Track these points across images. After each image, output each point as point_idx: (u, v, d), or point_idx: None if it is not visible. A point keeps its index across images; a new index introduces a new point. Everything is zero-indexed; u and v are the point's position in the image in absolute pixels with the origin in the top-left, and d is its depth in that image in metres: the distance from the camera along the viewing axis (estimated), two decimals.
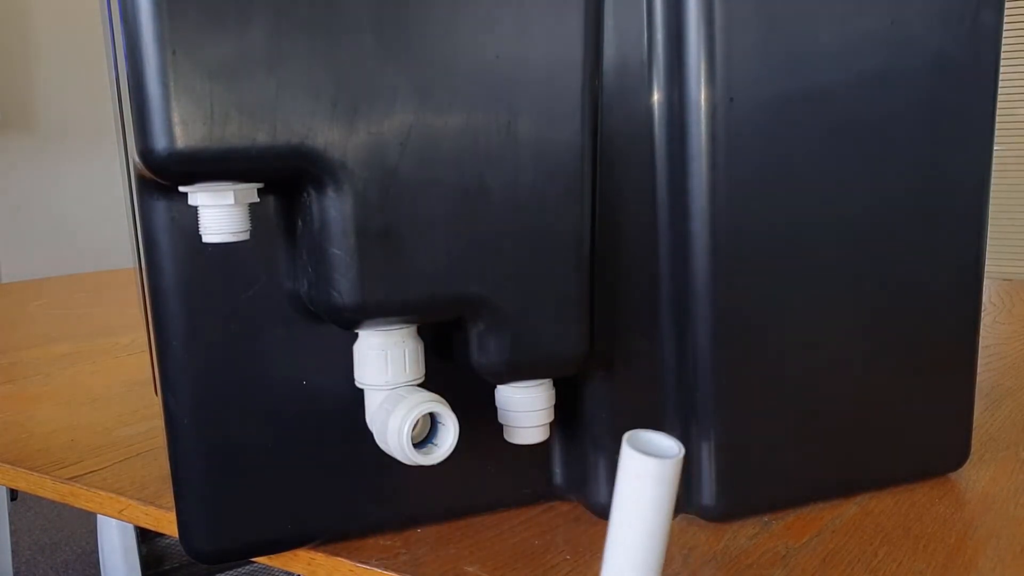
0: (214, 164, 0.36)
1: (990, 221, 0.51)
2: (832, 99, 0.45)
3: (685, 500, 0.49)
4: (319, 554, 0.46)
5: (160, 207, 0.41)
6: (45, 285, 1.53)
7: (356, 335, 0.43)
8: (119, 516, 0.54)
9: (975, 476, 0.54)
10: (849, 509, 0.50)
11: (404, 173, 0.38)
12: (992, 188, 0.51)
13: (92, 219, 2.91)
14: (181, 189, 0.39)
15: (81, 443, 0.64)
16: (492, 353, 0.43)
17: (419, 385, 0.42)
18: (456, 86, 0.39)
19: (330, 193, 0.38)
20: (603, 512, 0.49)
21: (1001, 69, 0.49)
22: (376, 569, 0.44)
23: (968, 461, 0.54)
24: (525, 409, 0.45)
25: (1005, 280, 1.30)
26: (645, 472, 0.30)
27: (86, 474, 0.58)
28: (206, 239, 0.38)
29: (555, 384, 0.46)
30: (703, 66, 0.43)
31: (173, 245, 0.41)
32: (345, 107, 0.37)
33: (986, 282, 0.53)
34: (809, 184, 0.46)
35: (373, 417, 0.42)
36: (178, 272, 0.42)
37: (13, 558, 1.28)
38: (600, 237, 0.44)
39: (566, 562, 0.44)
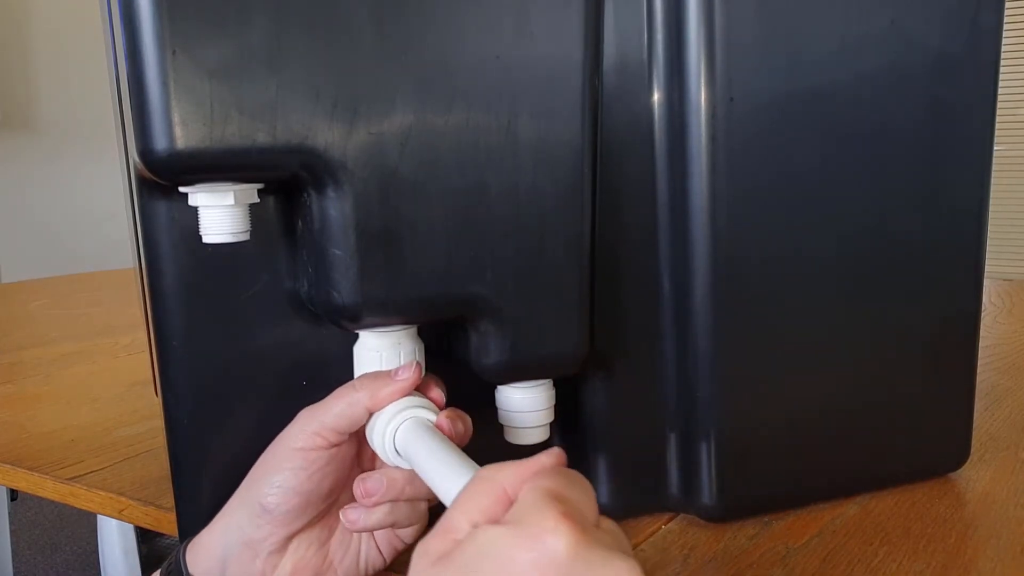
0: (214, 164, 0.36)
1: (990, 221, 0.51)
2: (832, 99, 0.45)
3: (685, 500, 0.49)
4: None
5: (160, 207, 0.41)
6: (45, 285, 1.53)
7: (356, 335, 0.43)
8: (119, 516, 0.54)
9: (975, 476, 0.54)
10: (849, 509, 0.50)
11: (404, 173, 0.38)
12: (992, 188, 0.51)
13: (92, 219, 2.91)
14: (181, 189, 0.39)
15: (81, 443, 0.64)
16: (493, 353, 0.43)
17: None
18: (456, 86, 0.39)
19: (330, 193, 0.38)
20: (603, 512, 0.49)
21: (1001, 69, 0.49)
22: None
23: (968, 461, 0.54)
24: (525, 409, 0.45)
25: (1005, 280, 1.30)
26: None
27: (86, 474, 0.58)
28: (206, 239, 0.38)
29: (555, 384, 0.46)
30: (703, 66, 0.43)
31: (173, 245, 0.41)
32: (345, 107, 0.37)
33: (986, 282, 0.53)
34: (809, 184, 0.46)
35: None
36: (178, 272, 0.42)
37: (13, 558, 1.28)
38: (600, 237, 0.44)
39: None
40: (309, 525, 0.41)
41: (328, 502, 0.41)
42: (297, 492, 0.39)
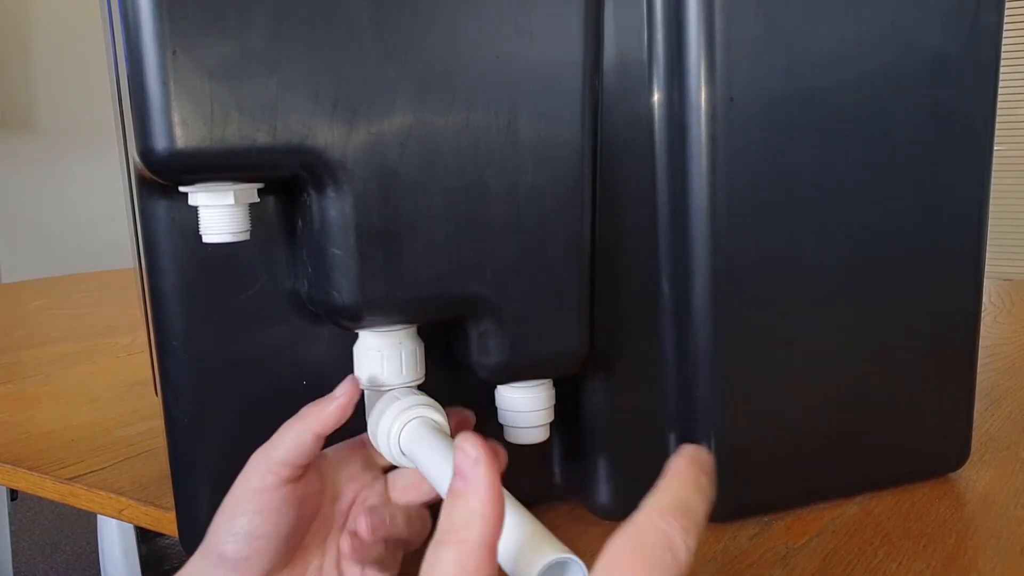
0: (214, 164, 0.36)
1: (990, 221, 0.51)
2: (832, 99, 0.45)
3: None
4: None
5: (160, 207, 0.41)
6: (45, 285, 1.53)
7: (356, 335, 0.43)
8: (119, 516, 0.54)
9: (975, 476, 0.54)
10: (849, 509, 0.50)
11: (404, 173, 0.38)
12: (992, 188, 0.51)
13: (92, 219, 2.91)
14: (181, 189, 0.39)
15: (81, 443, 0.64)
16: (492, 353, 0.43)
17: (418, 386, 0.42)
18: (456, 86, 0.39)
19: (330, 193, 0.38)
20: (603, 512, 0.49)
21: (1001, 69, 0.49)
22: None
23: (968, 461, 0.54)
24: (525, 409, 0.45)
25: (1005, 280, 1.30)
26: None
27: (86, 474, 0.58)
28: (206, 239, 0.38)
29: (555, 384, 0.46)
30: (703, 66, 0.43)
31: (173, 245, 0.41)
32: (345, 107, 0.37)
33: (986, 282, 0.53)
34: (808, 184, 0.46)
35: (371, 418, 0.42)
36: (178, 272, 0.42)
37: (13, 558, 1.28)
38: (600, 237, 0.44)
39: None
40: (275, 570, 0.39)
41: (291, 544, 0.39)
42: (255, 536, 0.37)
